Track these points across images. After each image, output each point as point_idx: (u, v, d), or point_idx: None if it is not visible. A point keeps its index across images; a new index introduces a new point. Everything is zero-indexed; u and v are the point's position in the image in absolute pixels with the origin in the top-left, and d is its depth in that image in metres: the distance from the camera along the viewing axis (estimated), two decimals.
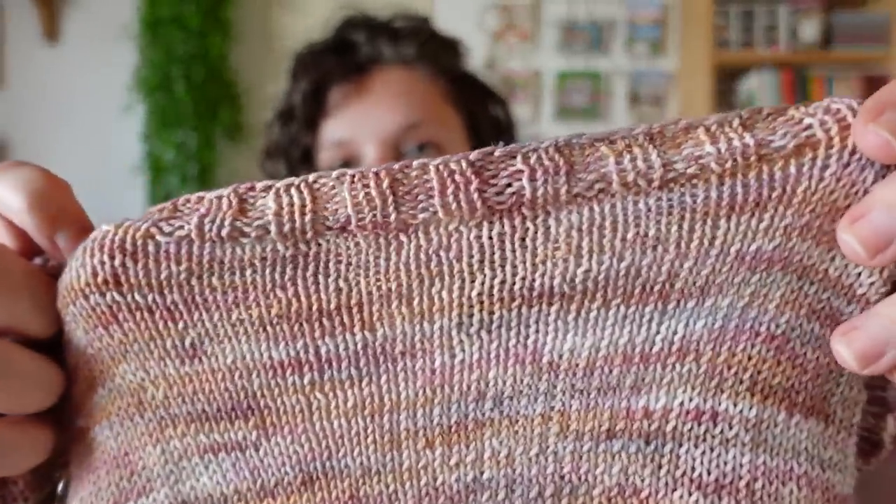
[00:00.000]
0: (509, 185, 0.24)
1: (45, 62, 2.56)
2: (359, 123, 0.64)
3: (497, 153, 0.24)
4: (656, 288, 0.24)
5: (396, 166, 0.24)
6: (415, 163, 0.24)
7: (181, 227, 0.25)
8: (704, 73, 2.34)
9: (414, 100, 0.65)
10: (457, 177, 0.23)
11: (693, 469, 0.24)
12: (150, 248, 0.25)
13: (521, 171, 0.23)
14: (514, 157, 0.24)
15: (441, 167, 0.24)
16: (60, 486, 0.28)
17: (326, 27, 0.69)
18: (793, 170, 0.23)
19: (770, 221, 0.23)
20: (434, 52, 0.68)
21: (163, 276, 0.25)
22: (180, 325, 0.25)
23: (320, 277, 0.25)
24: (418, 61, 0.67)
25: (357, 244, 0.24)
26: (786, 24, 2.37)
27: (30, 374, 0.24)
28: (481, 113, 0.70)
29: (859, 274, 0.23)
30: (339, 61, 0.66)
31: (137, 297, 0.25)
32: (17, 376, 0.24)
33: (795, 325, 0.24)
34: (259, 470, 0.26)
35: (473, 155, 0.24)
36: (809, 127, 0.23)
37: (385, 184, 0.24)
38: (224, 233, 0.24)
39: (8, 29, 2.57)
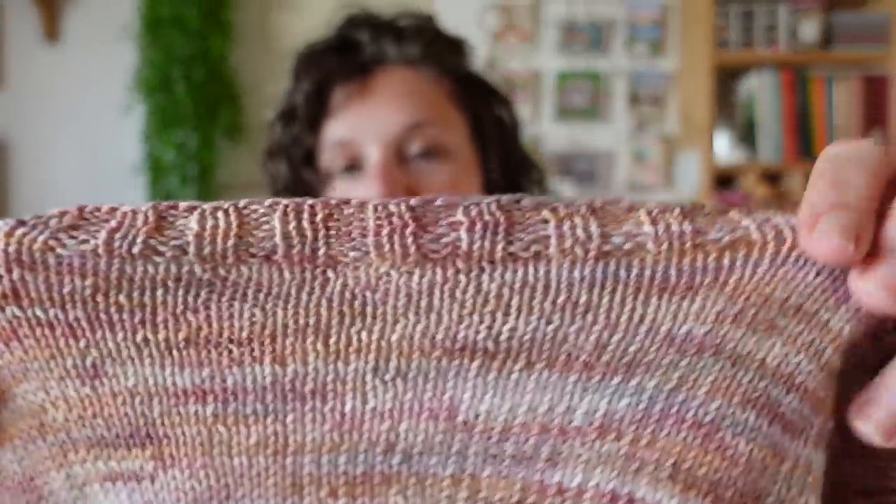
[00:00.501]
0: (447, 234, 0.23)
1: (46, 62, 2.56)
2: (362, 124, 0.63)
3: (438, 202, 0.23)
4: (582, 357, 0.23)
5: (334, 201, 0.23)
6: (353, 200, 0.23)
7: (86, 241, 0.23)
8: (704, 73, 2.34)
9: (418, 100, 0.64)
10: (394, 219, 0.23)
11: None
12: (51, 260, 0.23)
13: (461, 223, 0.23)
14: (456, 208, 0.23)
15: (380, 208, 0.23)
16: None
17: (329, 26, 0.68)
18: (726, 261, 0.23)
19: (702, 305, 0.23)
20: (438, 51, 0.67)
21: (65, 290, 0.23)
22: (82, 343, 0.24)
23: (236, 304, 0.23)
24: (422, 61, 0.66)
25: (281, 274, 0.23)
26: (786, 24, 2.37)
27: None
28: (485, 113, 0.69)
29: (799, 363, 0.23)
30: (341, 61, 0.65)
31: (38, 311, 0.23)
32: None
33: (727, 413, 0.22)
34: (152, 503, 0.24)
35: (414, 200, 0.23)
36: (746, 228, 0.23)
37: (319, 217, 0.23)
38: (135, 250, 0.23)
39: (8, 29, 2.57)
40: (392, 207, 0.23)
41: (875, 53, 2.38)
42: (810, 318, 0.23)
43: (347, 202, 0.23)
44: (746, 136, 2.42)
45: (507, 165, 0.69)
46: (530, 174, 0.71)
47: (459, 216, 0.23)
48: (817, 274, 0.22)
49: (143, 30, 2.35)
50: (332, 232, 0.23)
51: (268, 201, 0.24)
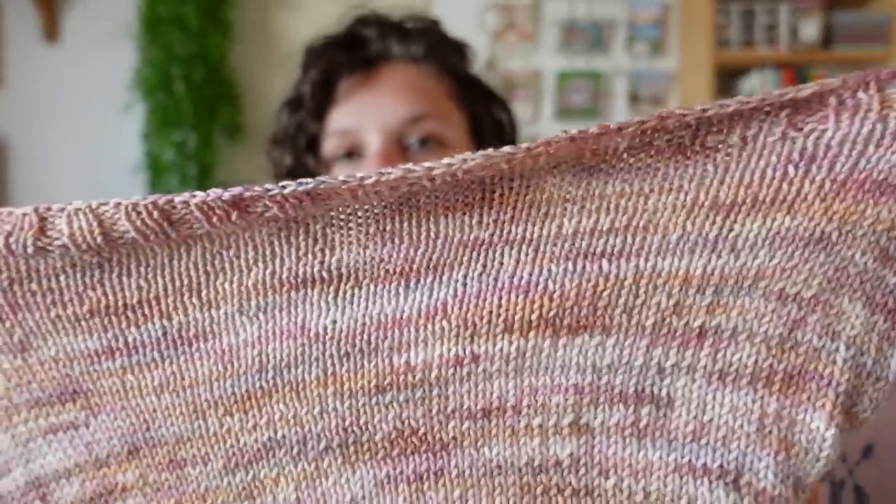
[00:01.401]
0: (265, 211, 0.27)
1: (45, 62, 2.56)
2: (364, 113, 0.65)
3: (247, 195, 0.27)
4: (397, 269, 0.29)
5: (163, 199, 0.27)
6: (177, 199, 0.27)
7: None
8: (705, 72, 2.34)
9: (419, 94, 0.66)
10: (217, 210, 0.27)
11: (461, 403, 0.29)
12: None
13: (270, 207, 0.27)
14: (265, 193, 0.27)
15: (202, 204, 0.27)
16: None
17: (339, 24, 0.70)
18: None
19: (480, 218, 0.28)
20: (442, 52, 0.70)
21: None
22: (7, 324, 0.30)
23: (123, 278, 0.29)
24: (425, 59, 0.69)
25: (152, 250, 0.29)
26: (786, 24, 2.37)
27: None
28: (484, 114, 0.71)
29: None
30: (349, 54, 0.67)
31: None
32: None
33: (542, 271, 0.28)
34: (92, 444, 0.31)
35: (226, 195, 0.27)
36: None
37: (156, 214, 0.27)
38: (30, 250, 0.28)
39: (7, 28, 2.56)
40: (211, 202, 0.27)
41: (875, 53, 2.38)
42: None
43: (172, 200, 0.27)
44: None
45: None
46: None
47: (267, 201, 0.27)
48: None
49: (143, 29, 2.35)
50: (174, 221, 0.28)
51: (112, 202, 0.27)
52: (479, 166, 0.26)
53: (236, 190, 0.27)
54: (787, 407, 0.27)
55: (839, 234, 0.26)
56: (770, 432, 0.27)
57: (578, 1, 2.52)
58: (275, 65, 2.52)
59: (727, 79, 2.43)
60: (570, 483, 0.29)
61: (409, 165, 0.27)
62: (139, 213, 0.27)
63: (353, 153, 0.66)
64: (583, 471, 0.29)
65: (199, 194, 0.27)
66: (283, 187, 0.27)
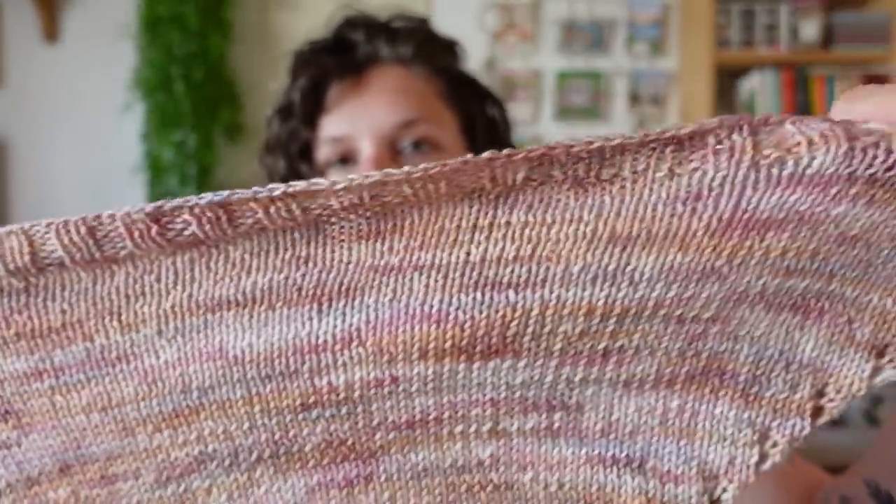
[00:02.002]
0: (185, 229, 0.28)
1: (45, 62, 2.56)
2: (356, 119, 0.65)
3: (167, 207, 0.28)
4: (309, 293, 0.29)
5: (91, 216, 0.28)
6: (104, 215, 0.28)
7: None
8: (705, 72, 2.34)
9: (410, 98, 0.66)
10: (139, 225, 0.28)
11: (386, 417, 0.31)
12: None
13: (189, 221, 0.28)
14: (182, 209, 0.28)
15: (125, 217, 0.28)
16: None
17: (327, 26, 0.70)
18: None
19: (391, 244, 0.29)
20: (431, 52, 0.69)
21: None
22: None
23: (48, 302, 0.30)
24: (415, 60, 0.68)
25: (78, 274, 0.29)
26: (786, 24, 2.37)
27: None
28: (477, 113, 0.71)
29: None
30: (337, 59, 0.67)
31: None
32: None
33: (451, 300, 0.29)
34: (23, 463, 0.32)
35: (149, 208, 0.28)
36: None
37: (83, 231, 0.28)
38: None
39: (7, 28, 2.56)
40: (134, 216, 0.28)
41: (876, 53, 2.38)
42: None
43: (100, 216, 0.28)
44: None
45: None
46: None
47: (186, 216, 0.28)
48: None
49: (143, 29, 2.35)
50: (100, 239, 0.28)
51: (44, 222, 0.28)
52: (378, 183, 0.27)
53: (157, 203, 0.28)
54: (689, 402, 0.30)
55: (730, 267, 0.28)
56: (673, 424, 0.30)
57: (578, 1, 2.52)
58: (275, 65, 2.51)
59: (727, 79, 2.43)
60: (492, 480, 0.32)
61: (315, 179, 0.28)
62: (68, 231, 0.28)
63: (346, 159, 0.66)
64: (503, 468, 0.32)
65: (126, 207, 0.28)
66: (200, 198, 0.28)
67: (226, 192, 0.28)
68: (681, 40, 2.52)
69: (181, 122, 2.33)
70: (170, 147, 2.34)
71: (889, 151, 0.25)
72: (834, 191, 0.26)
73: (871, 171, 0.25)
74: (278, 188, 0.28)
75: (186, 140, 2.34)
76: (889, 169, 0.25)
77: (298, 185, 0.28)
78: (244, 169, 2.51)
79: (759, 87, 2.37)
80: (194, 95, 2.32)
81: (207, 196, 0.28)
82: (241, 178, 2.49)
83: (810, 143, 0.25)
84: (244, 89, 2.47)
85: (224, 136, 2.44)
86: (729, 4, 2.36)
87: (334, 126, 0.66)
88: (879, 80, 2.36)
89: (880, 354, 0.29)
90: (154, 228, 0.28)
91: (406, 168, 0.27)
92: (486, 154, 0.27)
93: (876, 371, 0.29)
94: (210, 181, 2.40)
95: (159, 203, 0.28)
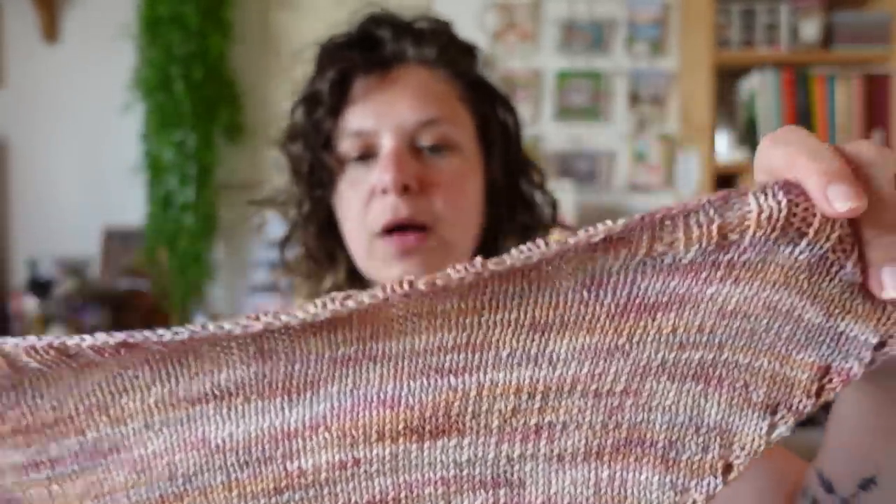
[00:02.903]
0: (151, 347, 0.30)
1: (45, 62, 2.56)
2: (379, 114, 0.67)
3: (131, 340, 0.30)
4: (279, 385, 0.32)
5: (57, 343, 0.30)
6: (69, 342, 0.30)
7: None
8: (705, 72, 2.34)
9: (432, 98, 0.68)
10: (107, 349, 0.30)
11: (349, 498, 0.34)
12: None
13: (156, 346, 0.30)
14: (147, 339, 0.30)
15: (92, 346, 0.30)
16: None
17: (351, 22, 0.72)
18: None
19: (344, 335, 0.32)
20: (453, 55, 0.72)
21: None
22: None
23: (37, 400, 0.33)
24: (438, 63, 0.71)
25: (59, 374, 0.32)
26: (787, 24, 2.36)
27: None
28: (492, 116, 0.73)
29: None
30: (364, 55, 0.69)
31: None
32: None
33: (403, 387, 0.32)
34: None
35: (112, 340, 0.30)
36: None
37: (52, 353, 0.30)
38: None
39: (7, 28, 2.56)
40: (101, 341, 0.30)
41: (876, 53, 2.37)
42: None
43: (63, 341, 0.30)
44: (747, 135, 2.41)
45: (508, 167, 0.73)
46: (530, 176, 0.76)
47: (155, 337, 0.30)
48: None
49: (142, 29, 2.35)
50: (72, 354, 0.30)
51: (11, 341, 0.30)
52: (329, 312, 0.30)
53: (121, 335, 0.30)
54: (617, 471, 0.33)
55: (631, 344, 0.32)
56: (605, 493, 0.33)
57: (578, 0, 2.51)
58: (275, 65, 2.52)
59: (727, 78, 2.43)
60: None
61: (269, 318, 0.30)
62: (37, 352, 0.30)
63: (366, 155, 0.68)
64: None
65: (88, 338, 0.30)
66: (162, 335, 0.30)
67: (186, 331, 0.30)
68: (681, 40, 2.52)
69: (181, 121, 2.33)
70: (169, 147, 2.34)
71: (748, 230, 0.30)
72: (704, 275, 0.30)
73: (728, 256, 0.30)
74: (236, 326, 0.30)
75: (186, 140, 2.34)
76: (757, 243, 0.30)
77: (254, 325, 0.30)
78: (244, 169, 2.51)
79: (760, 87, 2.36)
80: (194, 95, 2.32)
81: (168, 334, 0.30)
82: (241, 177, 2.50)
83: (687, 238, 0.30)
84: (244, 89, 2.47)
85: (224, 135, 2.44)
86: (729, 4, 2.36)
87: (358, 119, 0.68)
88: (880, 79, 2.36)
89: (773, 412, 0.32)
90: (123, 350, 0.30)
91: (350, 304, 0.30)
92: (420, 285, 0.30)
93: (771, 428, 0.32)
94: (210, 181, 2.40)
95: (122, 336, 0.30)
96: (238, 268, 2.54)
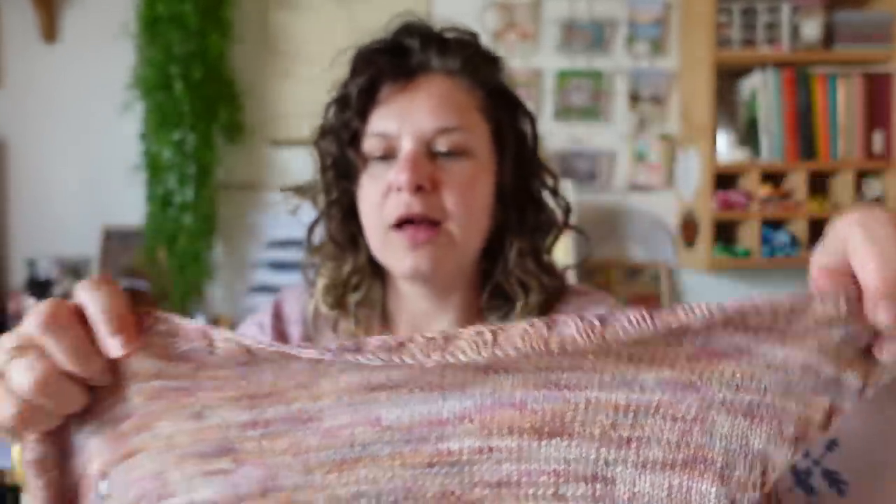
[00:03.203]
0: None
1: (44, 61, 2.55)
2: (402, 119, 0.74)
3: (327, 356, 0.43)
4: (435, 384, 0.42)
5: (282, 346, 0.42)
6: (302, 350, 0.42)
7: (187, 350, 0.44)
8: (705, 71, 2.33)
9: (451, 107, 0.75)
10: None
11: (483, 477, 0.43)
12: (171, 351, 0.44)
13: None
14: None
15: (301, 354, 0.43)
16: (105, 485, 0.45)
17: (386, 30, 0.79)
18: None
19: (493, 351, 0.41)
20: (476, 65, 0.79)
21: (178, 371, 0.44)
22: (192, 400, 0.44)
23: (260, 375, 0.43)
24: (461, 73, 0.78)
25: (276, 359, 0.42)
26: (787, 23, 2.36)
27: (64, 391, 0.43)
28: (509, 125, 0.79)
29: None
30: (392, 62, 0.76)
31: (161, 383, 0.44)
32: (59, 391, 0.42)
33: (529, 396, 0.42)
34: (236, 486, 0.44)
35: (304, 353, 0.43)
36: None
37: (275, 354, 0.43)
38: (205, 353, 0.43)
39: (6, 28, 2.56)
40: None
41: (877, 52, 2.37)
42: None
43: (287, 353, 0.43)
44: (748, 135, 2.41)
45: (520, 171, 0.79)
46: (543, 181, 0.82)
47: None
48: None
49: (142, 29, 2.34)
50: (281, 355, 0.43)
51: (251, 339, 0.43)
52: (485, 359, 0.41)
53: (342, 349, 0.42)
54: (685, 480, 0.42)
55: (701, 381, 0.41)
56: (675, 497, 0.42)
57: (578, 0, 2.51)
58: (275, 65, 2.51)
59: (728, 78, 2.42)
60: None
61: (450, 357, 0.41)
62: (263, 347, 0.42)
63: (387, 155, 0.75)
64: None
65: (306, 351, 0.42)
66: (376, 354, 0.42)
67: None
68: (681, 39, 2.51)
69: (180, 121, 2.32)
70: (169, 146, 2.33)
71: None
72: (762, 337, 0.40)
73: (784, 328, 0.40)
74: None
75: (185, 139, 2.34)
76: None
77: (436, 361, 0.41)
78: (243, 168, 2.50)
79: (760, 87, 2.36)
80: (193, 95, 2.32)
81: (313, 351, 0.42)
82: (241, 177, 2.49)
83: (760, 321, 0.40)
84: (243, 89, 2.47)
85: (223, 135, 2.44)
86: (730, 3, 2.35)
87: (382, 122, 0.75)
88: (881, 79, 2.36)
89: (796, 443, 0.41)
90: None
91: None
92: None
93: (794, 455, 0.41)
94: (209, 181, 2.40)
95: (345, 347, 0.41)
96: (238, 268, 2.53)
